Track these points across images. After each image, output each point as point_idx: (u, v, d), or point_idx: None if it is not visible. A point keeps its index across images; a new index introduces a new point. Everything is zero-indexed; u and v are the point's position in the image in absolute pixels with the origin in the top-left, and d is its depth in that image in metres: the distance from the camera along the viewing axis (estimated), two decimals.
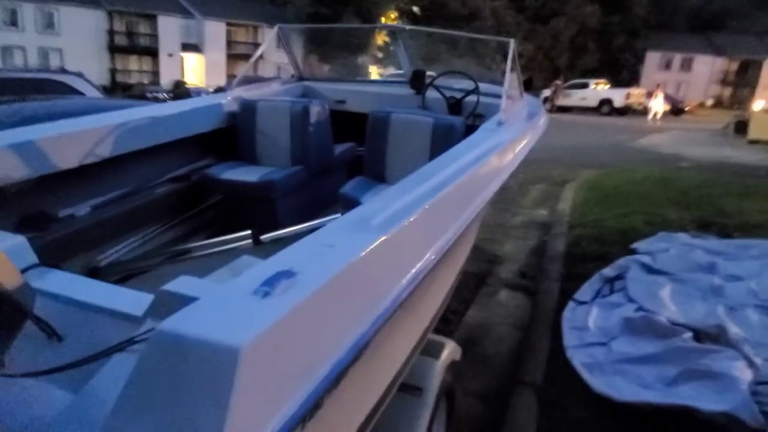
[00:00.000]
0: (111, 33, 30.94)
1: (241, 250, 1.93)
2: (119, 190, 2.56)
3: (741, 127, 14.69)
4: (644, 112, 24.22)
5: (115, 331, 1.30)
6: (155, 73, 32.22)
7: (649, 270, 3.93)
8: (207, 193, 3.13)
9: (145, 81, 29.84)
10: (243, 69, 3.74)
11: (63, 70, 6.55)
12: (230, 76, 32.83)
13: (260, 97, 3.45)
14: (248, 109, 3.24)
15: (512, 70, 3.31)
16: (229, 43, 34.72)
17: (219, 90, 23.59)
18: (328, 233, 1.31)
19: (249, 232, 1.96)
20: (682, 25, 41.55)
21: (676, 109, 26.88)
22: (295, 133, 3.17)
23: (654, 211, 5.88)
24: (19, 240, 1.54)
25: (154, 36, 32.34)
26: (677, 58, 41.01)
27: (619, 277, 3.93)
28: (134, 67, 32.44)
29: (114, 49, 31.25)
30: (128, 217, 2.61)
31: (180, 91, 23.38)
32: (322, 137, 3.31)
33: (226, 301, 0.96)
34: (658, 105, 23.30)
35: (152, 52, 32.35)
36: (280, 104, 3.23)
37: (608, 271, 4.04)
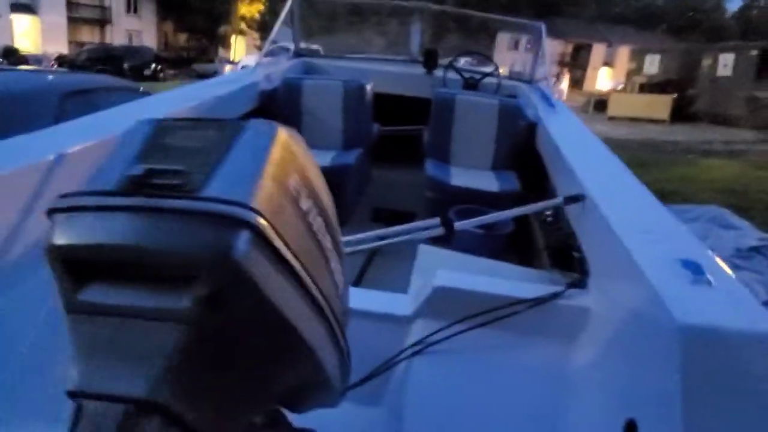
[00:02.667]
0: None
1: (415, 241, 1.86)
2: None
3: (600, 105, 16.67)
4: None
5: (383, 333, 1.25)
6: None
7: None
8: None
9: None
10: (266, 45, 3.45)
11: None
12: (73, 43, 29.05)
13: (294, 75, 3.27)
14: (293, 88, 3.05)
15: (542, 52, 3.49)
16: (70, 5, 30.54)
17: (60, 58, 20.81)
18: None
19: (438, 219, 1.85)
20: (528, 9, 45.43)
21: None
22: (349, 114, 3.06)
23: None
24: None
25: None
26: (523, 40, 44.77)
27: None
28: None
29: None
30: None
31: (14, 59, 20.15)
32: (369, 118, 3.25)
33: (685, 290, 0.99)
34: (564, 86, 23.96)
35: None
36: (332, 84, 3.10)
37: None
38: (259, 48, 24.10)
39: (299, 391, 0.69)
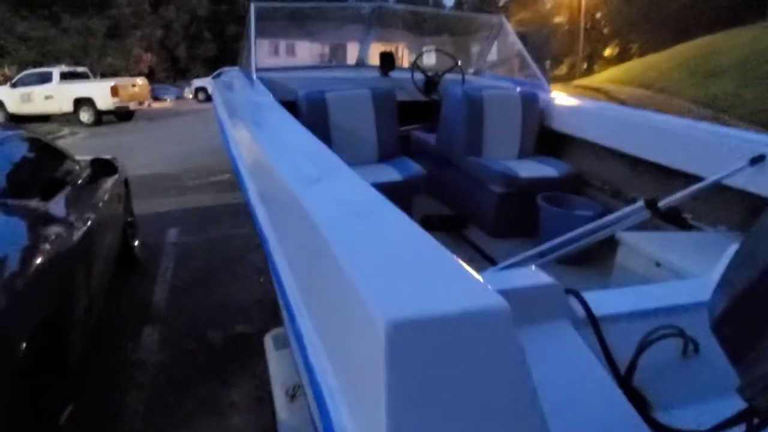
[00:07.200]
0: None
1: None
2: None
3: None
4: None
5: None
6: None
7: None
8: None
9: None
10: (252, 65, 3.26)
11: None
12: None
13: (308, 88, 3.05)
14: (317, 104, 2.91)
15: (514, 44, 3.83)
16: None
17: None
18: None
19: (642, 203, 1.81)
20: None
21: None
22: (381, 123, 2.92)
23: None
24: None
25: None
26: (282, 45, 45.11)
27: None
28: None
29: None
30: None
31: None
32: (397, 124, 3.12)
33: None
34: None
35: None
36: (361, 93, 2.91)
37: None
38: None
39: None
